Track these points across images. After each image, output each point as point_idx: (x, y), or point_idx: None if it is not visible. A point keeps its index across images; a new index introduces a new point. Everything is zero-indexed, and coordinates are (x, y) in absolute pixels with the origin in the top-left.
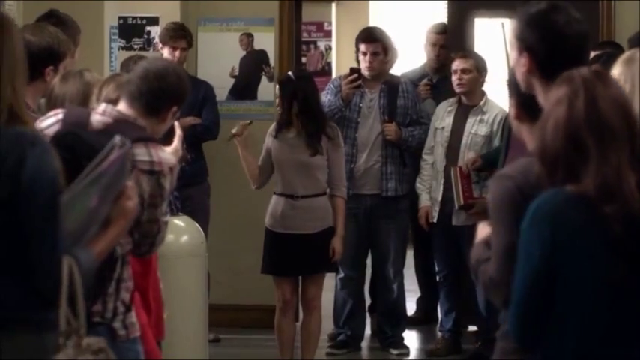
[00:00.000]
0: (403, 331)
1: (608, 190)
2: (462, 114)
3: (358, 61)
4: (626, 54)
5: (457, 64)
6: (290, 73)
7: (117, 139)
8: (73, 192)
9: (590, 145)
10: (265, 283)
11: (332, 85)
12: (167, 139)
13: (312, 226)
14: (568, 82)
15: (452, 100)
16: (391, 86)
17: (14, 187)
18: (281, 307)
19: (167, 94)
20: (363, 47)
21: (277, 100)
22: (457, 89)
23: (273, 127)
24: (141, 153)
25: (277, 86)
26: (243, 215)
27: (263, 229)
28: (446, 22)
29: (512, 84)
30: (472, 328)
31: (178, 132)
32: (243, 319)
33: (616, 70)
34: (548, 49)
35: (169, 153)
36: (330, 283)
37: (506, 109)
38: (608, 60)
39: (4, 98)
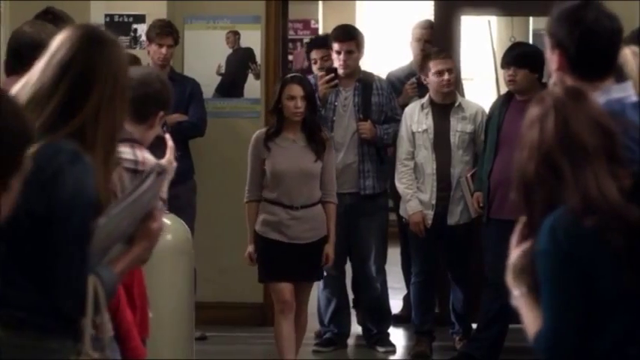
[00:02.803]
0: (388, 327)
1: (591, 204)
2: (441, 114)
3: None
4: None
5: (442, 65)
6: (296, 74)
7: (156, 165)
8: (109, 216)
9: (563, 165)
10: (252, 281)
11: None
12: (159, 151)
13: (309, 236)
14: (539, 104)
15: (423, 101)
16: (365, 84)
17: (50, 202)
18: (281, 310)
19: (153, 99)
20: (336, 46)
21: (293, 103)
22: (444, 89)
23: (260, 136)
24: (126, 152)
25: (290, 85)
26: (229, 213)
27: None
28: (430, 19)
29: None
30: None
31: (170, 144)
32: (230, 317)
33: None
34: (576, 44)
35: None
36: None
37: (482, 106)
38: None
39: (71, 124)
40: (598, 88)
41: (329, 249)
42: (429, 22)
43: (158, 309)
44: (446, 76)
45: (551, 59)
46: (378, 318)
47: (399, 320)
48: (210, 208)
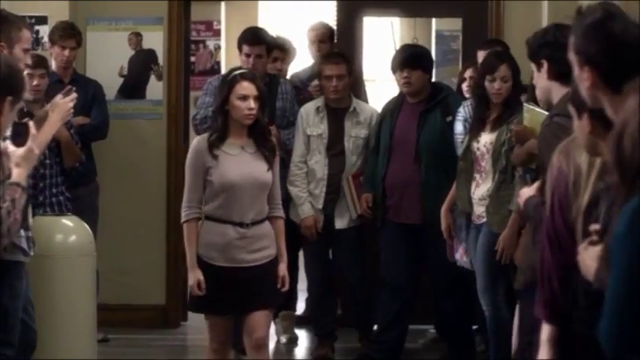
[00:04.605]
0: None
1: None
2: (335, 118)
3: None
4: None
5: (331, 70)
6: (245, 69)
7: None
8: None
9: None
10: (154, 283)
11: (210, 86)
12: (21, 140)
13: (258, 257)
14: None
15: (318, 104)
16: (270, 88)
17: None
18: (217, 349)
19: None
20: (246, 49)
21: (246, 103)
22: (332, 95)
23: (202, 143)
24: None
25: (242, 83)
26: (132, 214)
27: (152, 227)
28: (323, 20)
29: (580, 100)
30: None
31: (33, 131)
32: (133, 319)
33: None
34: (609, 59)
35: (21, 153)
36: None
37: (376, 109)
38: (498, 57)
39: None
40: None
41: (283, 270)
42: (321, 23)
43: (60, 311)
44: (333, 82)
45: (581, 77)
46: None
47: (302, 322)
48: (113, 209)
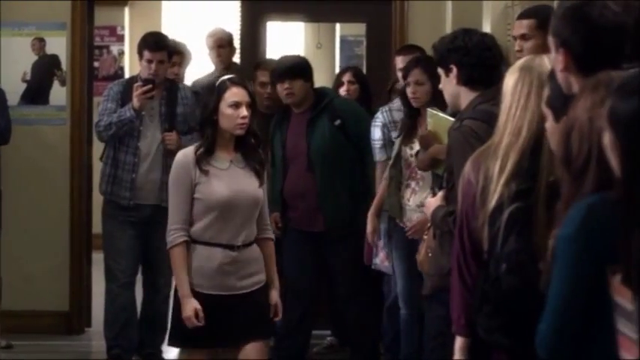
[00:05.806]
0: (161, 344)
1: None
2: (265, 124)
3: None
4: (521, 61)
5: (266, 77)
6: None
7: None
8: None
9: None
10: (57, 289)
11: (112, 92)
12: None
13: (251, 282)
14: (602, 86)
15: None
16: (170, 93)
17: None
18: None
19: None
20: (148, 55)
21: (238, 112)
22: (264, 102)
23: (188, 157)
24: None
25: (232, 89)
26: (35, 220)
27: (56, 233)
28: (220, 26)
29: (558, 102)
30: None
31: None
32: (37, 325)
33: (512, 78)
34: (582, 42)
35: None
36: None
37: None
38: (412, 62)
39: None
40: None
41: (275, 297)
42: (218, 28)
43: None
44: (268, 89)
45: (556, 60)
46: (152, 332)
47: None
48: (16, 215)
